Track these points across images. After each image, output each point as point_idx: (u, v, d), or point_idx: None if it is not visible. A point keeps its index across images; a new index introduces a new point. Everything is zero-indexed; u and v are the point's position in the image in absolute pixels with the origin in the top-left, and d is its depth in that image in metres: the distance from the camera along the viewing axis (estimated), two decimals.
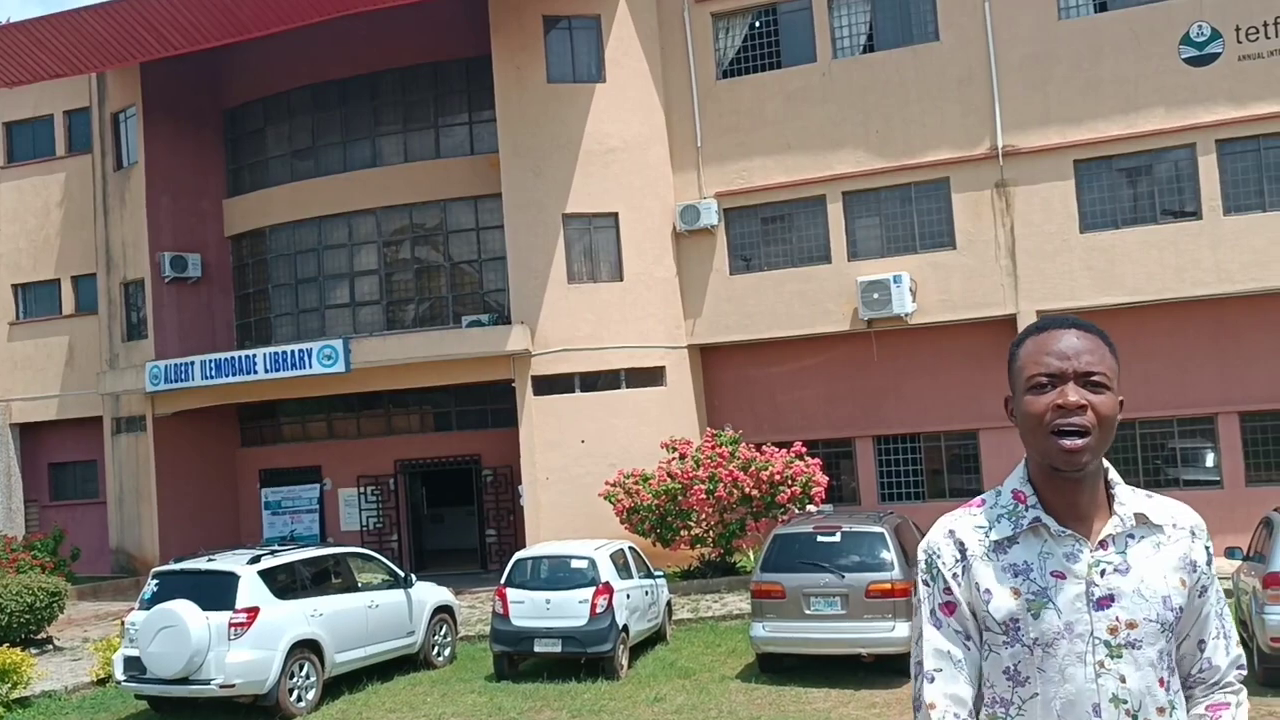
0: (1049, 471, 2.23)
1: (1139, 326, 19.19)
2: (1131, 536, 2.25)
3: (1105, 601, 2.18)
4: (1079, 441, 2.16)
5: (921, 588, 2.32)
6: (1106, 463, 2.28)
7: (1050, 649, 2.18)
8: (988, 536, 2.26)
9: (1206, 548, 2.33)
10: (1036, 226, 19.46)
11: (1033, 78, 19.49)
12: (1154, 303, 18.93)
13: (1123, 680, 2.16)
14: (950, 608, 2.27)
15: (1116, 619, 2.18)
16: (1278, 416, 18.81)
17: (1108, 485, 2.30)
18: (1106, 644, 2.17)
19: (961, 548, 2.28)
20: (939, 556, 2.29)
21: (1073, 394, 2.17)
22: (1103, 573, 2.20)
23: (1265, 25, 18.27)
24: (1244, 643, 12.08)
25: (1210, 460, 19.36)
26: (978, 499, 2.36)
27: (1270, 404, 18.75)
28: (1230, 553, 12.39)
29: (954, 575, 2.27)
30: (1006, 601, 2.21)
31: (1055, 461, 2.19)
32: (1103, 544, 2.23)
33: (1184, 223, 18.87)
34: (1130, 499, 2.28)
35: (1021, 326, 19.29)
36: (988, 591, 2.23)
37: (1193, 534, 2.31)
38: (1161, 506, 2.31)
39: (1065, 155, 19.33)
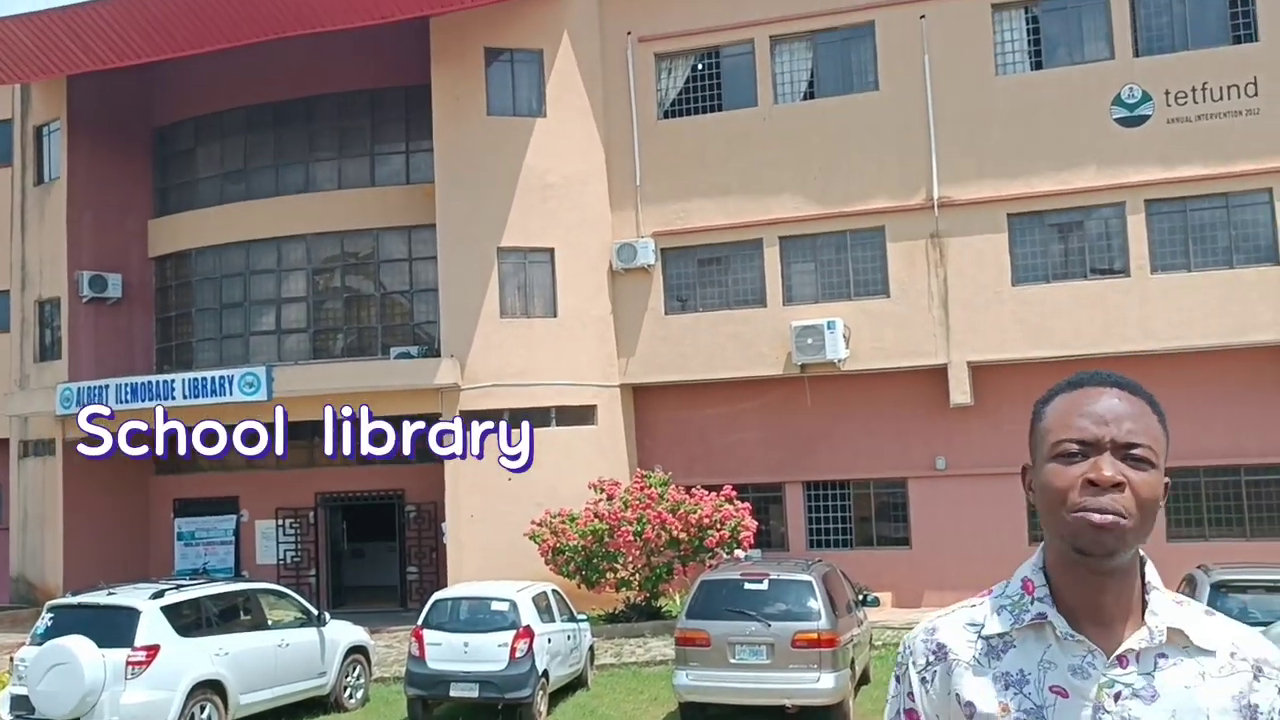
0: (1070, 558, 1.81)
1: None
2: (1164, 656, 1.80)
3: None
4: (1110, 518, 1.75)
5: (892, 683, 1.98)
6: (1148, 560, 1.88)
7: None
8: (980, 635, 1.86)
9: None
10: (969, 278, 19.63)
11: (969, 131, 19.74)
12: (1082, 357, 19.11)
13: None
14: (912, 716, 1.92)
15: None
16: (1197, 473, 19.07)
17: (1144, 588, 1.86)
18: None
19: (940, 650, 1.89)
20: (911, 655, 1.93)
21: (1108, 468, 1.77)
22: (1118, 696, 1.77)
23: (1194, 90, 18.73)
24: None
25: None
26: (988, 588, 1.98)
27: (1190, 461, 19.00)
28: None
29: (923, 680, 1.90)
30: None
31: (1080, 542, 1.77)
32: (1121, 660, 1.79)
33: (1112, 279, 19.17)
34: (1166, 609, 1.83)
35: (952, 377, 19.54)
36: (969, 705, 1.83)
37: (1258, 670, 1.80)
38: (1216, 628, 1.84)
39: (999, 209, 19.57)
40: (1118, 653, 1.79)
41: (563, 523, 18.04)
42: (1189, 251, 18.88)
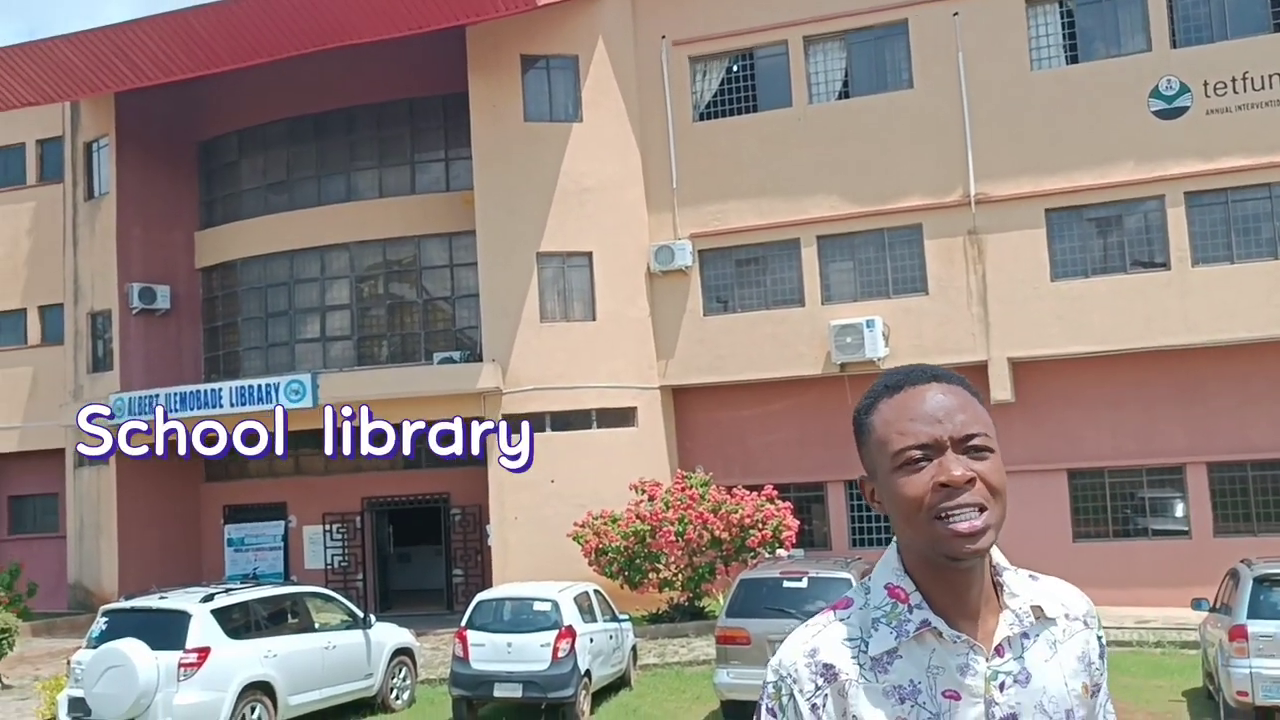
0: (936, 562, 1.78)
1: (1108, 376, 19.27)
2: (1026, 636, 1.83)
3: None
4: (978, 521, 1.72)
5: (766, 717, 1.83)
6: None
7: None
8: (864, 651, 1.79)
9: (1099, 638, 1.91)
10: (1008, 274, 19.54)
11: (1005, 127, 19.64)
12: (1123, 352, 18.99)
13: None
14: None
15: None
16: (1244, 468, 18.84)
17: (994, 571, 1.86)
18: None
19: (827, 671, 1.79)
20: (795, 683, 1.80)
21: (957, 467, 1.73)
22: (1002, 686, 1.77)
23: (1233, 80, 18.51)
24: (1210, 695, 12.00)
25: (1179, 510, 19.36)
26: (842, 599, 1.90)
27: (1237, 455, 18.78)
28: (1197, 604, 12.37)
29: (814, 707, 1.78)
30: None
31: (951, 550, 1.73)
32: (999, 649, 1.80)
33: (1153, 273, 18.99)
34: (1023, 588, 1.86)
35: (992, 374, 19.44)
36: None
37: (1085, 624, 1.90)
38: (1052, 593, 1.89)
39: (1037, 204, 19.45)
40: (995, 642, 1.79)
41: (605, 524, 18.19)
42: (1231, 243, 18.65)
